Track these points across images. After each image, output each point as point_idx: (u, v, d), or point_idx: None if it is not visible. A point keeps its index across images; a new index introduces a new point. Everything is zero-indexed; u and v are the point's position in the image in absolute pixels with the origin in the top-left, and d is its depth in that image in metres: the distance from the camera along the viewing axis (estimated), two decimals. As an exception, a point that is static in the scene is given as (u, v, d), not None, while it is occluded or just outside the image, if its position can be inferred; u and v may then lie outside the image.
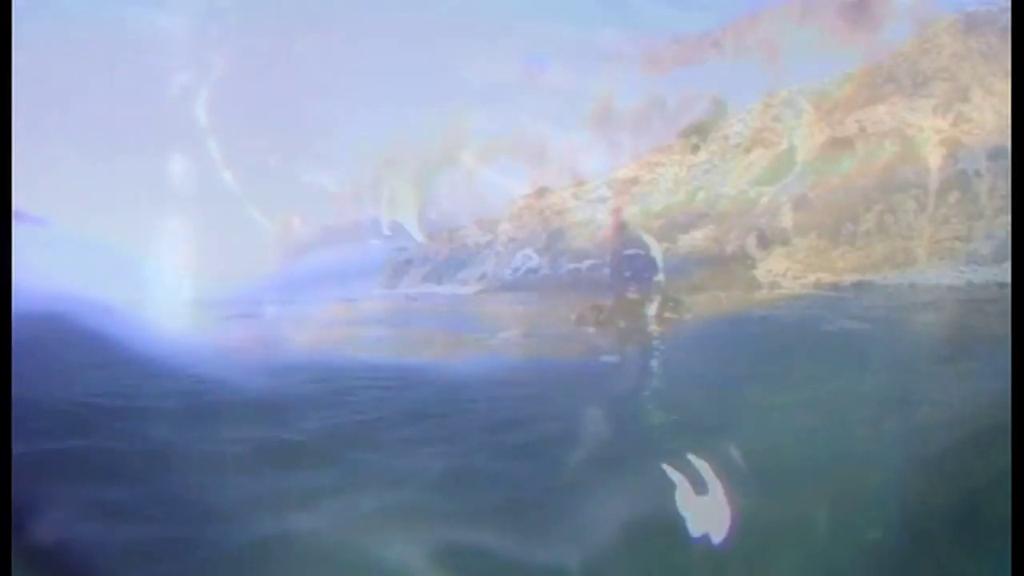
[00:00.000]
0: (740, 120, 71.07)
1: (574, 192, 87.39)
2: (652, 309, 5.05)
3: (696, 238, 49.04)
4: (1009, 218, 43.02)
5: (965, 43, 57.77)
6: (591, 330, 5.59)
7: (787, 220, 51.25)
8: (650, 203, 71.50)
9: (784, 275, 45.38)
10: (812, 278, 44.06)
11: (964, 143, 50.38)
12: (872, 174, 51.60)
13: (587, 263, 58.90)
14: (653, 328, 4.85)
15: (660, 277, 5.31)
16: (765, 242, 49.76)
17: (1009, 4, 56.99)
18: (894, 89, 58.31)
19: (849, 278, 43.37)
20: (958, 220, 45.29)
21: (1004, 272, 37.44)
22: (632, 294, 5.24)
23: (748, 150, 68.06)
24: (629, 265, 5.30)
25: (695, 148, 75.73)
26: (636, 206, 73.42)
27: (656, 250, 5.47)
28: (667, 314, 5.20)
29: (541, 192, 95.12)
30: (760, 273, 45.61)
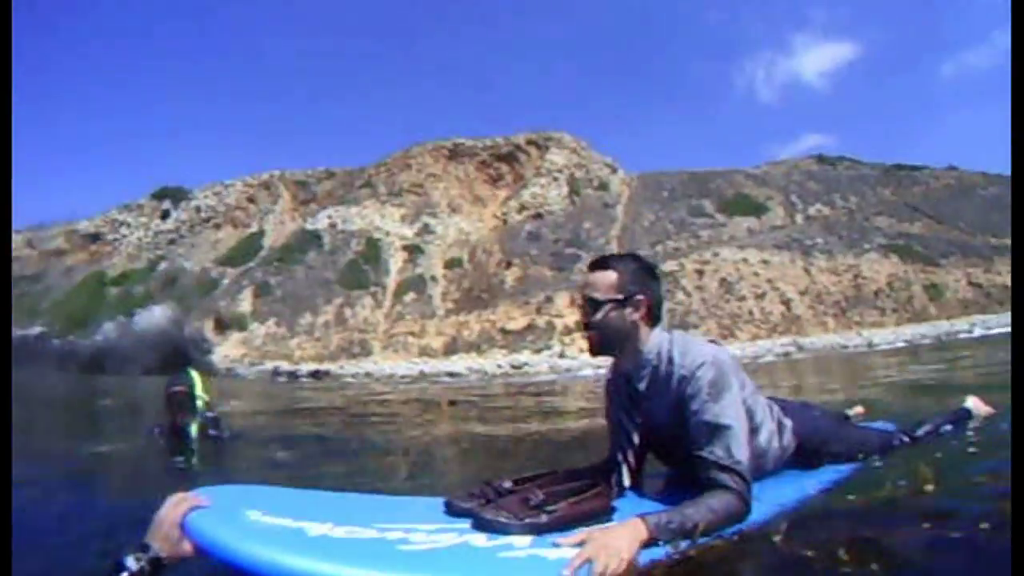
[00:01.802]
0: (216, 193, 67.00)
1: (29, 238, 71.92)
2: (194, 430, 5.54)
3: (154, 315, 43.27)
4: (458, 318, 45.53)
5: (446, 167, 62.98)
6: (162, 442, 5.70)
7: (247, 305, 49.79)
8: (107, 266, 62.27)
9: (241, 361, 43.42)
10: (269, 366, 42.30)
11: (425, 251, 53.40)
12: (335, 269, 52.83)
13: (36, 330, 49.92)
14: (195, 443, 5.50)
15: (200, 404, 5.61)
16: (223, 326, 47.60)
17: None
18: (370, 194, 60.59)
19: (306, 366, 42.30)
20: (412, 318, 47.83)
21: (453, 364, 40.93)
22: (180, 420, 5.54)
23: (218, 227, 63.94)
24: (179, 399, 5.60)
25: (165, 214, 68.50)
26: (93, 266, 63.24)
27: (200, 386, 5.67)
28: (209, 431, 5.68)
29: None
30: (217, 358, 42.81)
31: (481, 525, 2.06)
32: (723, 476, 2.20)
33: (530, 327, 43.81)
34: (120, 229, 69.68)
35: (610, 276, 2.48)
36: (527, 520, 2.03)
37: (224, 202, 66.29)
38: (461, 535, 2.01)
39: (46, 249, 71.68)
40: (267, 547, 1.73)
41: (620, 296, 2.46)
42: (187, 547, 1.82)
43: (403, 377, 37.49)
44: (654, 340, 2.48)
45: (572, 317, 44.85)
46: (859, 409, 4.63)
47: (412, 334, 46.12)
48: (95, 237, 70.25)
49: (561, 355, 41.42)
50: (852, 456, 3.01)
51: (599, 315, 2.47)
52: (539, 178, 58.71)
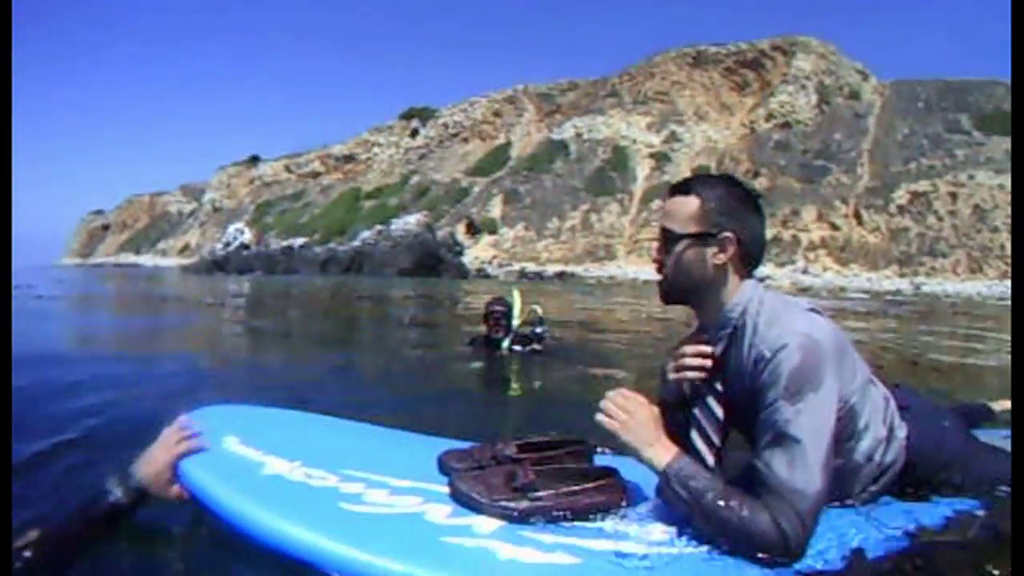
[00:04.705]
0: (462, 110, 70.25)
1: (287, 164, 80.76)
2: (507, 342, 6.47)
3: (409, 223, 46.32)
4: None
5: (690, 74, 61.26)
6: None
7: (496, 211, 51.86)
8: (362, 182, 67.91)
9: (490, 262, 45.64)
10: (517, 267, 44.39)
11: (672, 158, 52.84)
12: (582, 177, 53.11)
13: (299, 241, 56.19)
14: (506, 353, 6.41)
15: (516, 322, 6.59)
16: (474, 230, 50.05)
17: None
18: (615, 103, 60.38)
19: (552, 268, 43.92)
20: (657, 224, 46.04)
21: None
22: (494, 334, 6.49)
23: (466, 140, 67.12)
24: (496, 316, 6.55)
25: (414, 132, 73.18)
26: (348, 184, 69.29)
27: (516, 305, 6.74)
28: (515, 345, 6.45)
29: (252, 160, 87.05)
30: (468, 259, 45.47)
31: (454, 494, 1.83)
32: (773, 502, 1.67)
33: (775, 240, 41.96)
34: (372, 149, 75.21)
35: (691, 204, 1.89)
36: (500, 502, 1.75)
37: (470, 117, 69.27)
38: (424, 502, 1.80)
39: (303, 172, 79.17)
40: (212, 478, 1.81)
41: (700, 230, 1.88)
42: (175, 490, 1.84)
43: (645, 283, 36.64)
44: (742, 294, 1.90)
45: (819, 232, 42.91)
46: (1006, 403, 3.22)
47: (656, 240, 45.55)
48: (349, 158, 76.34)
49: (804, 271, 40.03)
50: (979, 492, 2.11)
51: (673, 253, 1.91)
52: (786, 85, 55.48)
